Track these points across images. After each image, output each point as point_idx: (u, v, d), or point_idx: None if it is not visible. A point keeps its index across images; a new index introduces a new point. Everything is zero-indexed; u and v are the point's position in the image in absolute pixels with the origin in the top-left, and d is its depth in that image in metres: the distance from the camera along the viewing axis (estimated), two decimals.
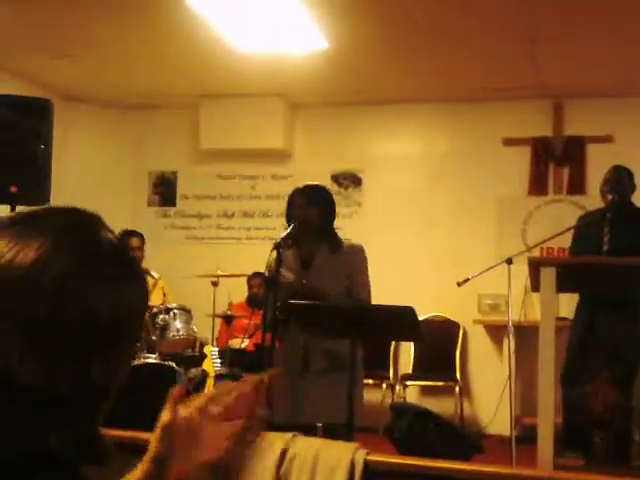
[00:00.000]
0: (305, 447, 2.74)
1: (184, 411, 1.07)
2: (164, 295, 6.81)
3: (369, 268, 4.37)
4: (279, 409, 3.98)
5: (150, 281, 6.72)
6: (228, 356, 6.47)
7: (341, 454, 2.67)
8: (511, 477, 2.65)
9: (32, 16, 6.40)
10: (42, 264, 1.00)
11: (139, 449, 1.08)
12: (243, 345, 6.58)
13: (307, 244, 4.31)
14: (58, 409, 1.00)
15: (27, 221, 1.05)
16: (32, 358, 0.98)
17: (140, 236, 6.86)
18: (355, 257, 4.30)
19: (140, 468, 1.06)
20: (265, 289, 4.46)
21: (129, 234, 6.73)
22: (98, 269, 1.04)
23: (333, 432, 3.79)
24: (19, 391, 0.98)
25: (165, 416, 1.07)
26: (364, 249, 4.34)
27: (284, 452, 2.72)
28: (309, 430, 3.44)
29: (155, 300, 6.51)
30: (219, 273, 6.97)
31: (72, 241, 1.04)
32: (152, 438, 1.07)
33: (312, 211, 4.23)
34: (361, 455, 2.66)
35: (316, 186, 4.40)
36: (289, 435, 2.82)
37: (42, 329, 0.99)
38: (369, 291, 4.28)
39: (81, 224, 1.08)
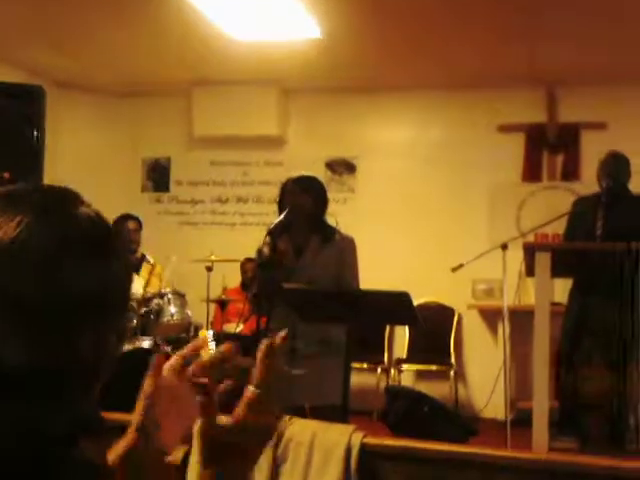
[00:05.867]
0: (301, 430, 2.75)
1: (164, 378, 1.08)
2: (160, 281, 6.79)
3: (363, 254, 4.38)
4: None
5: (147, 267, 6.72)
6: (223, 341, 6.45)
7: (338, 437, 2.67)
8: (507, 460, 2.66)
9: (26, 5, 6.36)
10: (25, 240, 0.98)
11: None
12: (238, 329, 6.59)
13: (300, 232, 4.32)
14: (50, 390, 0.98)
15: (3, 199, 1.03)
16: (18, 338, 0.95)
17: (137, 220, 6.85)
18: (345, 248, 4.33)
19: (125, 438, 1.07)
20: (258, 273, 4.46)
21: (126, 218, 6.74)
22: (79, 243, 1.02)
23: (321, 415, 3.79)
24: (7, 376, 0.95)
25: (147, 385, 1.08)
26: (354, 241, 4.38)
27: (281, 435, 2.72)
28: (297, 411, 3.43)
29: (154, 286, 6.49)
30: (213, 258, 6.97)
31: (52, 217, 1.02)
32: (136, 408, 1.07)
33: (305, 199, 4.26)
34: (358, 437, 2.67)
35: (310, 176, 4.45)
36: (285, 418, 2.82)
37: (28, 306, 0.96)
38: (357, 282, 4.31)
39: (60, 200, 1.06)
